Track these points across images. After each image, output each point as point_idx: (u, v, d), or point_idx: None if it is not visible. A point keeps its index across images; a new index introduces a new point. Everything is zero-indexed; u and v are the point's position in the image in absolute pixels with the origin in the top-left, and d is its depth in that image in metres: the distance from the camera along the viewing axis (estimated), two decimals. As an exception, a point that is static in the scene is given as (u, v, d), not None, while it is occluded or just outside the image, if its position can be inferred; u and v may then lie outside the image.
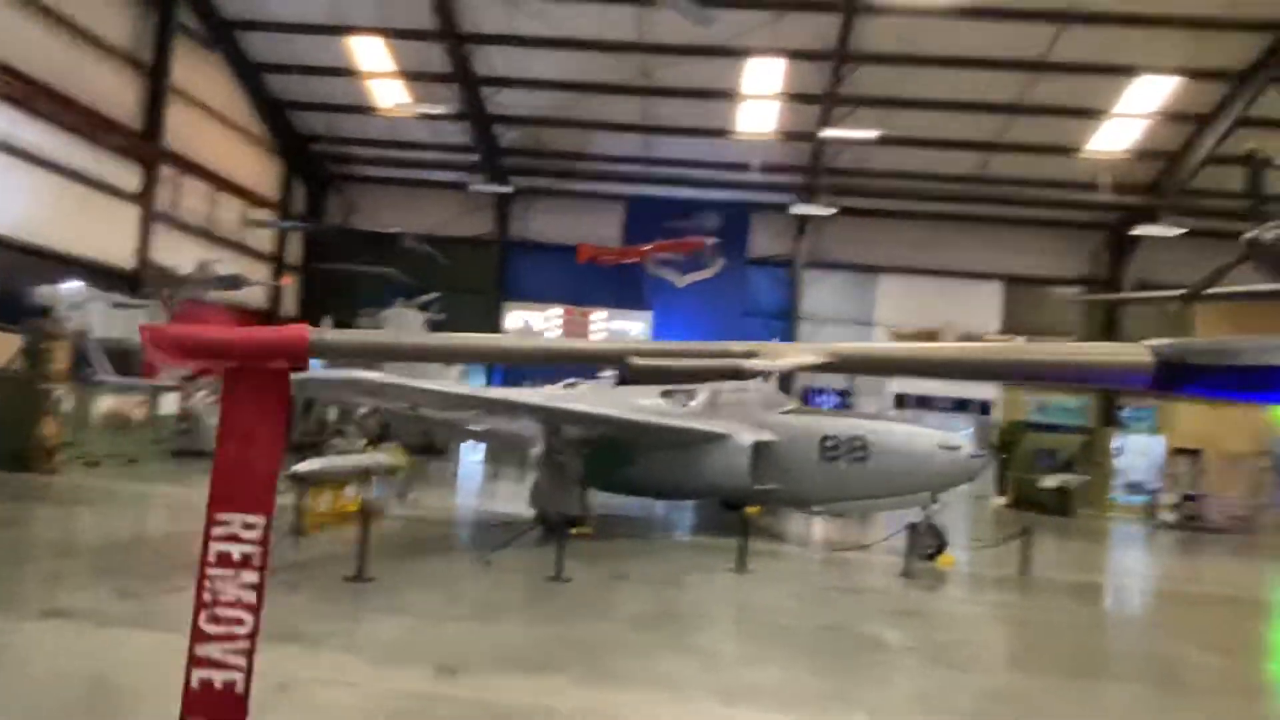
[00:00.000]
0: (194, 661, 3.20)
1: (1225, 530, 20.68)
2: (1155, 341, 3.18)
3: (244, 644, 3.21)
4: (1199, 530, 20.76)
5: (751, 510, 14.88)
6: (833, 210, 26.42)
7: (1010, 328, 28.36)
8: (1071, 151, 25.40)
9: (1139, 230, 25.85)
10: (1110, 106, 23.85)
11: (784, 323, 28.07)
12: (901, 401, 25.80)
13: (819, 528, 14.84)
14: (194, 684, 3.19)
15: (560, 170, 28.75)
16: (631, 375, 3.22)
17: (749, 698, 5.88)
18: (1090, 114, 24.25)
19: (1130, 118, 24.16)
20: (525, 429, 13.26)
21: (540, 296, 29.34)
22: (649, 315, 28.47)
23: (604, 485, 13.42)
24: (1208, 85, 22.61)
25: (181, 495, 14.18)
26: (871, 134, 23.20)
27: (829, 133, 23.98)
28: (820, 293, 28.75)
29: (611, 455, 12.76)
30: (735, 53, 23.20)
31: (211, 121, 25.14)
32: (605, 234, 29.04)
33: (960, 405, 26.52)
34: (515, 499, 15.08)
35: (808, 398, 25.11)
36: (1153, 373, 3.11)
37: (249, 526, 3.24)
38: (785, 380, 23.65)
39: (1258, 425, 24.88)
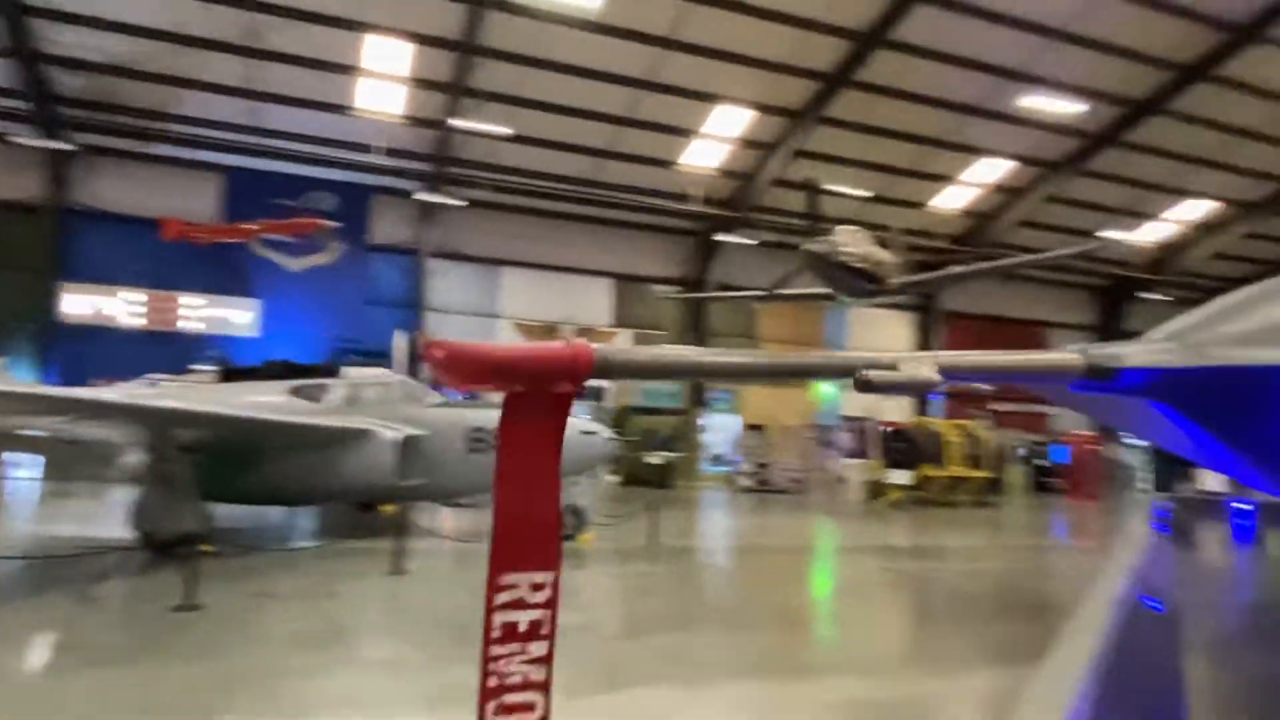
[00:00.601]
0: None
1: (787, 491, 25.01)
2: (1085, 346, 3.76)
3: None
4: (768, 492, 24.82)
5: (387, 509, 14.36)
6: (460, 201, 26.34)
7: (620, 322, 31.00)
8: (669, 165, 28.48)
9: (721, 238, 29.94)
10: (700, 128, 27.21)
11: (410, 313, 27.34)
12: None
13: (457, 519, 14.76)
14: None
15: (140, 130, 24.55)
16: (861, 388, 2.98)
17: (452, 700, 5.64)
18: (684, 133, 27.41)
19: (716, 140, 27.83)
20: (112, 435, 11.15)
21: (112, 278, 24.95)
22: (255, 303, 25.76)
23: (221, 496, 11.87)
24: (774, 119, 26.96)
25: None
26: (499, 129, 23.60)
27: (457, 123, 23.85)
28: (447, 284, 28.52)
29: (231, 461, 11.36)
30: (355, 25, 21.94)
31: None
32: (199, 208, 25.64)
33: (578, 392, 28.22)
34: (97, 518, 12.72)
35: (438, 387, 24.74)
36: (1081, 374, 3.66)
37: (537, 587, 2.53)
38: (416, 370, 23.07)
39: (805, 402, 30.43)
